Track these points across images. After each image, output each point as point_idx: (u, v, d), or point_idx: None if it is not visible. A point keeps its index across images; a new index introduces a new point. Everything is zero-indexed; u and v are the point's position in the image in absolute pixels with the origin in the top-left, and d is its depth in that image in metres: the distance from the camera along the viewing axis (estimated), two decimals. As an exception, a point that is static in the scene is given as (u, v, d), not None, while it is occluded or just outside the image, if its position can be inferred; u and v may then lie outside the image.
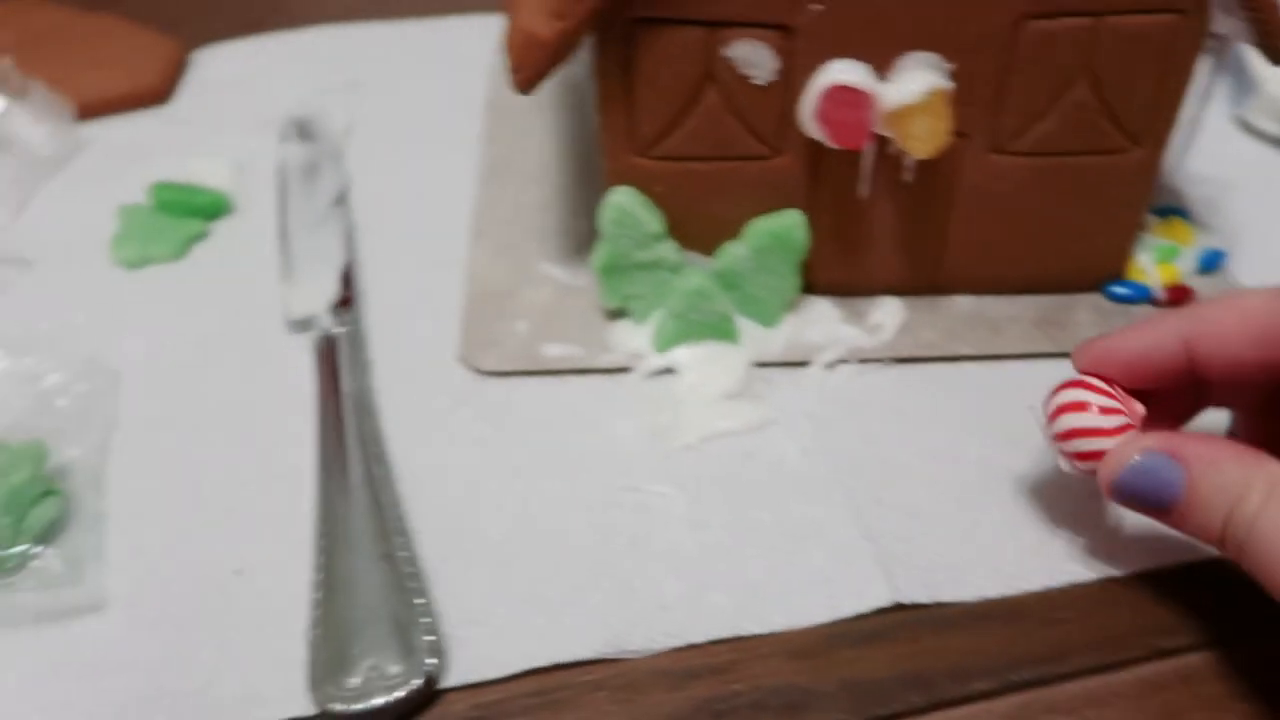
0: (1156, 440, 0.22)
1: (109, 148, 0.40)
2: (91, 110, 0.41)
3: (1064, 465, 0.24)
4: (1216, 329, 0.22)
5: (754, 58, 0.27)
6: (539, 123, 0.40)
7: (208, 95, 0.43)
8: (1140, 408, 0.24)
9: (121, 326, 0.32)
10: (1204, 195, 0.35)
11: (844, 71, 0.27)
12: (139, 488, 0.28)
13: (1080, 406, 0.24)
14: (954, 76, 0.27)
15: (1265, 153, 0.38)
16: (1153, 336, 0.23)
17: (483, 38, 0.45)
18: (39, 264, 0.35)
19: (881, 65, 0.27)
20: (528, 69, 0.27)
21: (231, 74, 0.44)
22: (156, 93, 0.42)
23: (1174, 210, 0.33)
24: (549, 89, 0.42)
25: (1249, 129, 0.38)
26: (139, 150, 0.40)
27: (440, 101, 0.42)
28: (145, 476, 0.28)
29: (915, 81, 0.26)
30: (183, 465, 0.28)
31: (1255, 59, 0.38)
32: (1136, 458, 0.22)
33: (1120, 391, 0.24)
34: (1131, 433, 0.23)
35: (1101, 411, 0.23)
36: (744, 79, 0.27)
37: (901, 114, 0.27)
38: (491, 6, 0.47)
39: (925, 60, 0.27)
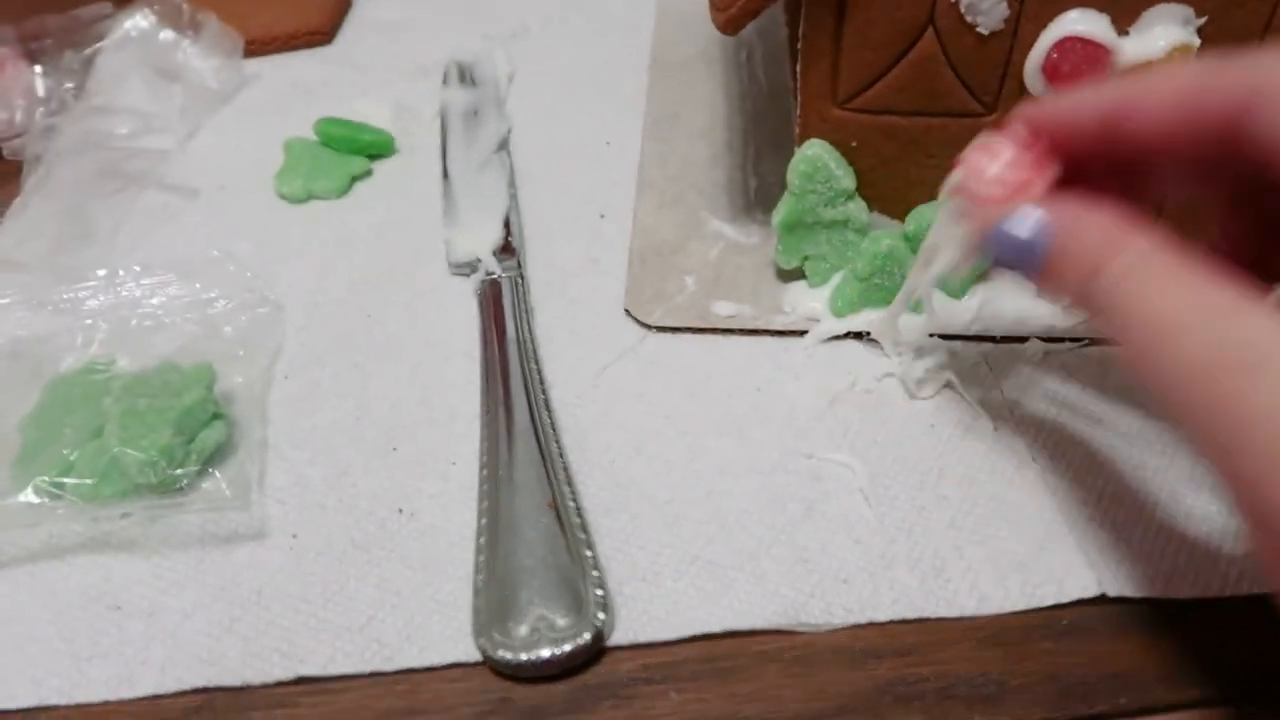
0: (1038, 197, 0.21)
1: (275, 84, 0.40)
2: (259, 47, 0.41)
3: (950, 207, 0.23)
4: (1145, 94, 0.20)
5: (984, 3, 0.25)
6: (705, 79, 0.39)
7: (371, 38, 0.42)
8: (1052, 174, 0.21)
9: (286, 259, 0.32)
10: None
11: (1081, 22, 0.24)
12: (302, 419, 0.27)
13: (989, 151, 0.22)
14: (1204, 33, 0.24)
15: None
16: (1084, 97, 0.21)
17: (649, -8, 0.43)
18: (205, 193, 0.35)
19: (1124, 17, 0.24)
20: (736, 8, 0.26)
21: (395, 18, 0.43)
22: (321, 32, 0.42)
23: None
24: (713, 45, 0.40)
25: None
26: (304, 88, 0.39)
27: (604, 54, 0.41)
28: (308, 409, 0.28)
29: (1161, 36, 0.24)
30: (345, 400, 0.28)
31: None
32: (1013, 213, 0.21)
33: (1040, 155, 0.21)
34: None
35: (1007, 163, 0.21)
36: (969, 26, 0.25)
37: (1141, 72, 0.24)
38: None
39: (1175, 13, 0.24)
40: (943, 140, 0.28)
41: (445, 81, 0.39)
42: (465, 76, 0.39)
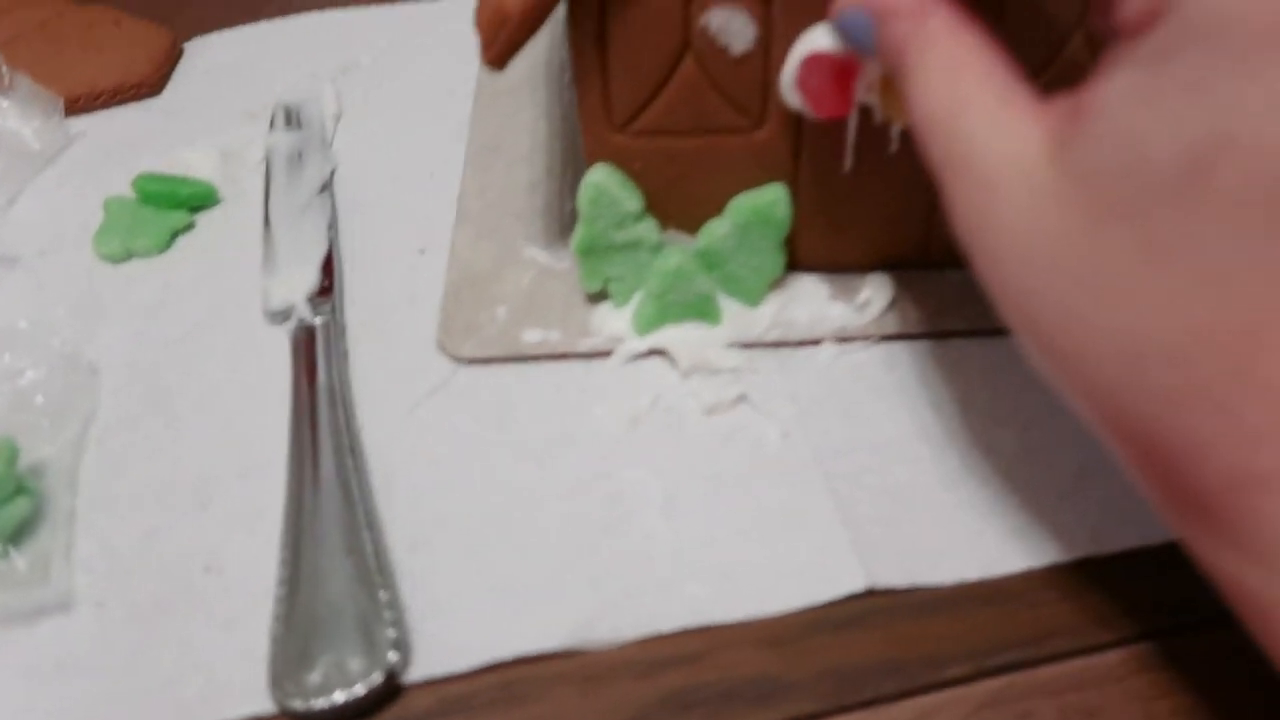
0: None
1: (100, 140, 0.40)
2: (84, 104, 0.41)
3: None
4: None
5: (731, 25, 0.26)
6: (529, 104, 0.39)
7: (200, 85, 0.42)
8: None
9: (104, 321, 0.32)
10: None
11: (825, 38, 0.25)
12: (113, 484, 0.28)
13: None
14: (938, 39, 0.25)
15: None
16: None
17: (476, 18, 0.44)
18: (25, 260, 0.35)
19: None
20: (498, 45, 0.26)
21: (225, 62, 0.43)
22: (149, 84, 0.42)
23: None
24: (538, 68, 0.41)
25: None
26: (130, 142, 0.39)
27: (432, 84, 0.41)
28: (120, 473, 0.28)
29: (896, 46, 0.25)
30: (157, 460, 0.28)
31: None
32: (843, 9, 0.23)
33: None
34: None
35: None
36: (722, 48, 0.26)
37: (885, 81, 0.25)
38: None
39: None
40: (720, 156, 0.28)
41: (272, 125, 0.39)
42: (292, 118, 0.39)
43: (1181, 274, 0.16)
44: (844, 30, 0.24)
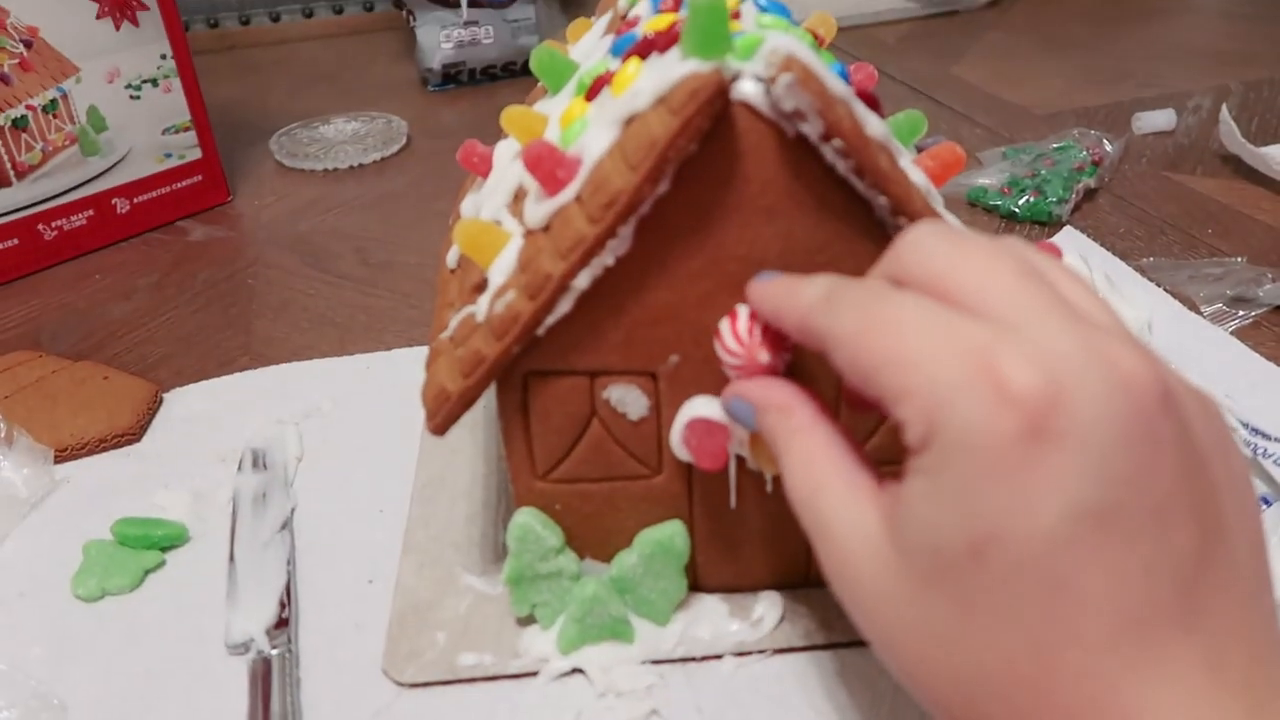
0: (739, 386, 0.29)
1: (82, 486, 0.44)
2: (71, 452, 0.46)
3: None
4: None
5: (628, 399, 0.32)
6: (468, 442, 0.45)
7: (177, 431, 0.48)
8: (765, 357, 0.29)
9: (76, 660, 0.35)
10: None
11: (702, 406, 0.32)
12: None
13: (732, 316, 0.29)
14: (793, 405, 0.32)
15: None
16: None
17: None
18: (5, 601, 0.38)
19: (732, 399, 0.32)
20: (440, 417, 0.32)
21: (200, 410, 0.49)
22: (131, 433, 0.47)
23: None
24: (476, 412, 0.47)
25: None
26: (110, 487, 0.44)
27: (384, 426, 0.47)
28: (81, 807, 0.30)
29: (760, 412, 0.31)
30: (117, 793, 0.30)
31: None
32: (731, 398, 0.29)
33: (762, 336, 0.29)
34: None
35: (734, 336, 0.29)
36: (621, 415, 0.32)
37: (754, 438, 0.31)
38: (434, 338, 0.53)
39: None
40: (626, 498, 0.34)
41: (240, 468, 0.44)
42: (258, 461, 0.44)
43: (984, 628, 0.21)
44: (731, 413, 0.30)
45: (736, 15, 0.32)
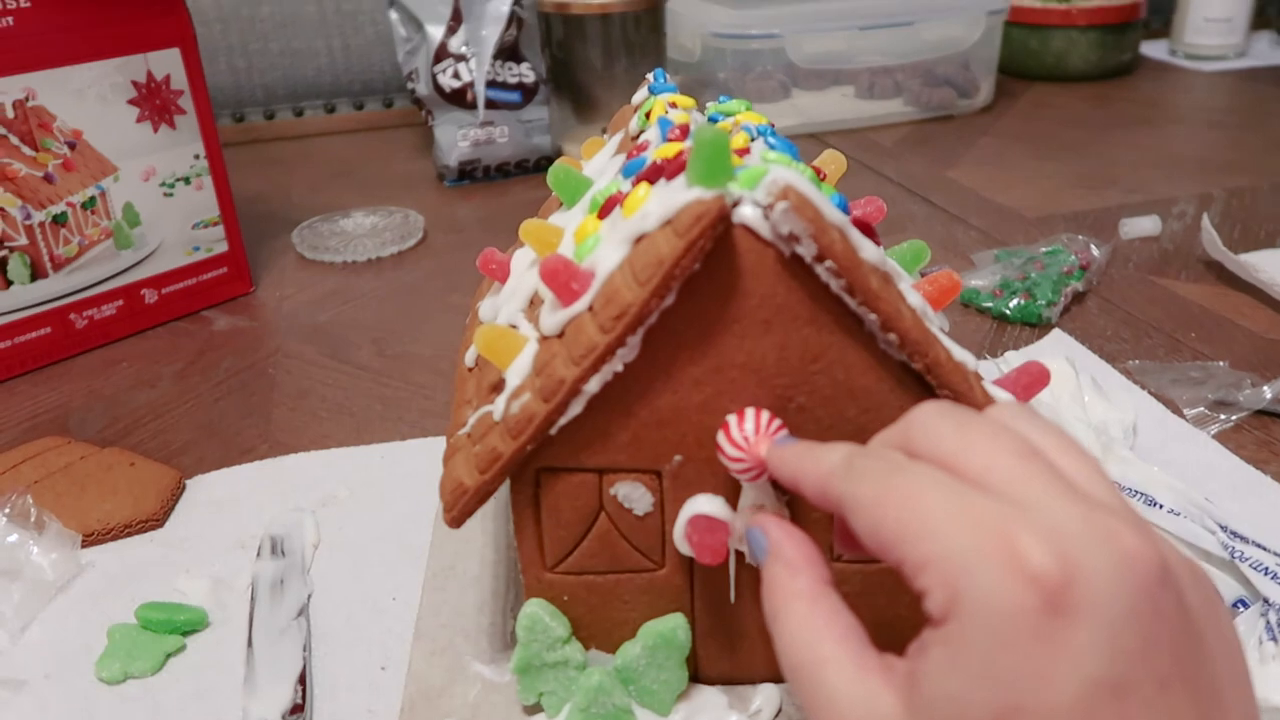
0: (765, 520, 0.30)
1: (107, 570, 0.46)
2: (96, 538, 0.47)
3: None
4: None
5: (634, 495, 0.34)
6: (478, 531, 0.47)
7: (198, 517, 0.50)
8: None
9: (96, 739, 0.37)
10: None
11: (703, 504, 0.34)
12: None
13: (738, 416, 0.32)
14: (789, 505, 0.34)
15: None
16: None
17: (440, 457, 0.52)
18: (31, 684, 0.39)
19: (733, 497, 0.34)
20: (457, 510, 0.34)
21: (221, 497, 0.51)
22: (155, 519, 0.49)
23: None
24: (487, 503, 0.49)
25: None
26: (133, 572, 0.46)
27: (397, 514, 0.49)
28: None
29: (759, 510, 0.33)
30: None
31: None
32: (752, 527, 0.30)
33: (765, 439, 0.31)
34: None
35: (740, 436, 0.31)
36: (628, 510, 0.34)
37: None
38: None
39: (766, 492, 0.34)
40: (632, 590, 0.36)
41: (258, 554, 0.46)
42: (276, 548, 0.46)
43: None
44: (749, 541, 0.31)
45: (746, 150, 0.34)
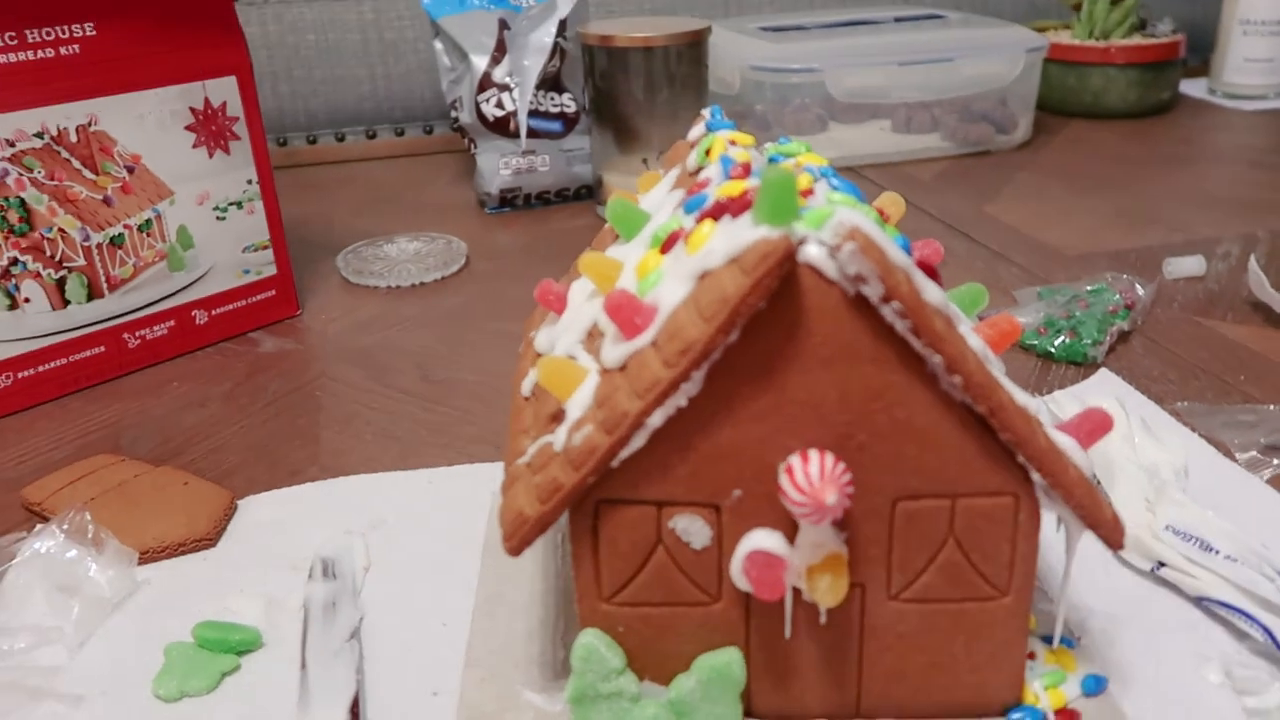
0: None
1: (162, 588, 0.47)
2: (151, 556, 0.48)
3: None
4: None
5: (692, 528, 0.34)
6: (528, 559, 0.47)
7: (250, 538, 0.50)
8: (832, 499, 0.31)
9: (154, 757, 0.37)
10: (1089, 625, 0.41)
11: (762, 539, 0.34)
12: None
13: (803, 457, 0.32)
14: (848, 543, 0.34)
15: (1138, 583, 0.44)
16: None
17: (485, 483, 0.53)
18: (89, 699, 0.40)
19: (791, 533, 0.34)
20: (517, 539, 0.35)
21: (272, 518, 0.52)
22: (208, 538, 0.49)
23: (1063, 640, 0.38)
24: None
25: (1121, 561, 0.45)
26: (187, 590, 0.46)
27: (446, 539, 0.49)
28: None
29: (818, 547, 0.34)
30: None
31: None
32: None
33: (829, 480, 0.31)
34: None
35: (804, 477, 0.31)
36: (685, 544, 0.35)
37: (808, 572, 0.33)
38: (493, 456, 0.56)
39: (825, 530, 0.34)
40: (688, 623, 0.36)
41: (310, 576, 0.46)
42: (328, 570, 0.47)
43: None
44: None
45: (810, 192, 0.35)
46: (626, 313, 0.33)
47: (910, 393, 0.32)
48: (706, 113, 0.48)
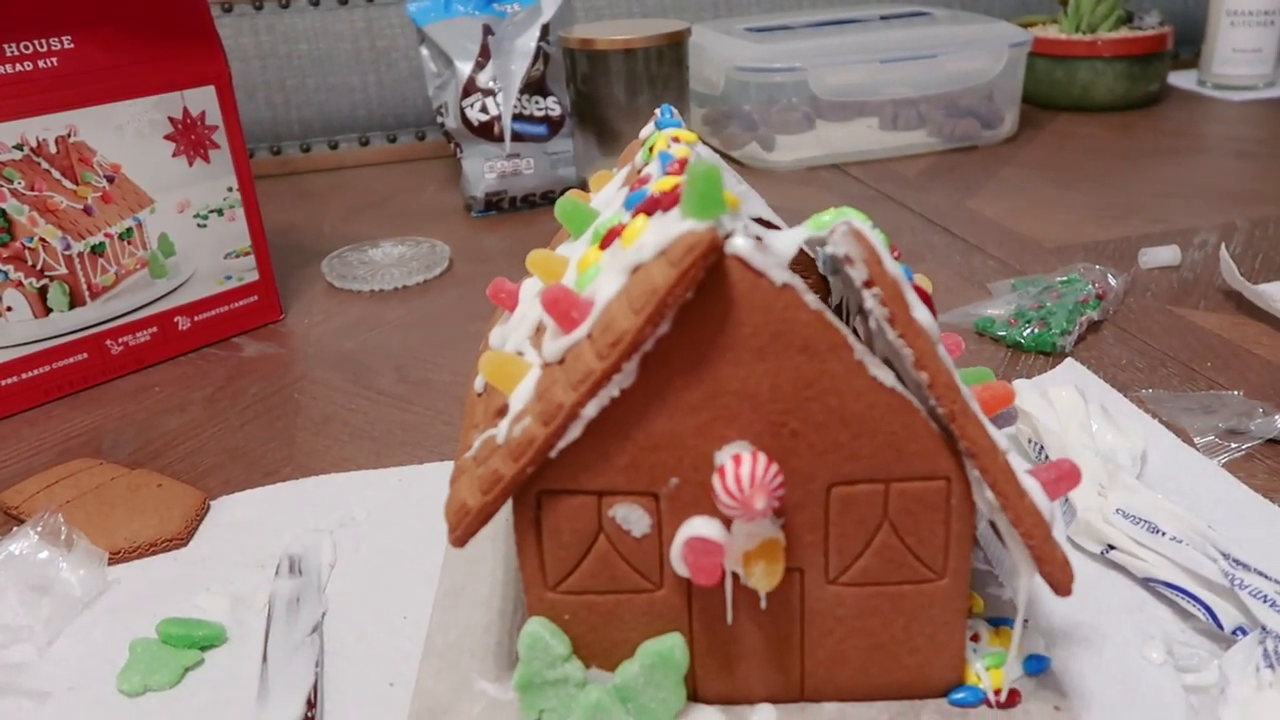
0: None
1: (131, 587, 0.47)
2: (122, 556, 0.49)
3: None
4: None
5: (632, 517, 0.35)
6: (489, 553, 0.48)
7: (221, 537, 0.51)
8: (761, 504, 0.32)
9: (115, 749, 0.38)
10: (1036, 608, 0.41)
11: (699, 526, 0.34)
12: None
13: (735, 461, 0.32)
14: (785, 529, 0.35)
15: (1087, 565, 0.45)
16: None
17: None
18: (55, 695, 0.41)
19: (728, 520, 0.35)
20: (460, 530, 0.35)
21: (243, 517, 0.53)
22: (179, 538, 0.50)
23: (1004, 621, 0.39)
24: (499, 525, 0.50)
25: (1073, 545, 0.46)
26: (155, 589, 0.47)
27: (412, 536, 0.50)
28: None
29: (754, 534, 0.34)
30: None
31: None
32: None
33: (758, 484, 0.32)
34: None
35: (735, 482, 0.32)
36: (626, 532, 0.35)
37: (745, 558, 0.34)
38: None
39: (759, 522, 0.34)
40: (632, 610, 0.36)
41: (277, 573, 0.47)
42: (294, 567, 0.48)
43: None
44: None
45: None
46: (563, 307, 0.34)
47: (841, 381, 0.33)
48: (658, 112, 0.49)
